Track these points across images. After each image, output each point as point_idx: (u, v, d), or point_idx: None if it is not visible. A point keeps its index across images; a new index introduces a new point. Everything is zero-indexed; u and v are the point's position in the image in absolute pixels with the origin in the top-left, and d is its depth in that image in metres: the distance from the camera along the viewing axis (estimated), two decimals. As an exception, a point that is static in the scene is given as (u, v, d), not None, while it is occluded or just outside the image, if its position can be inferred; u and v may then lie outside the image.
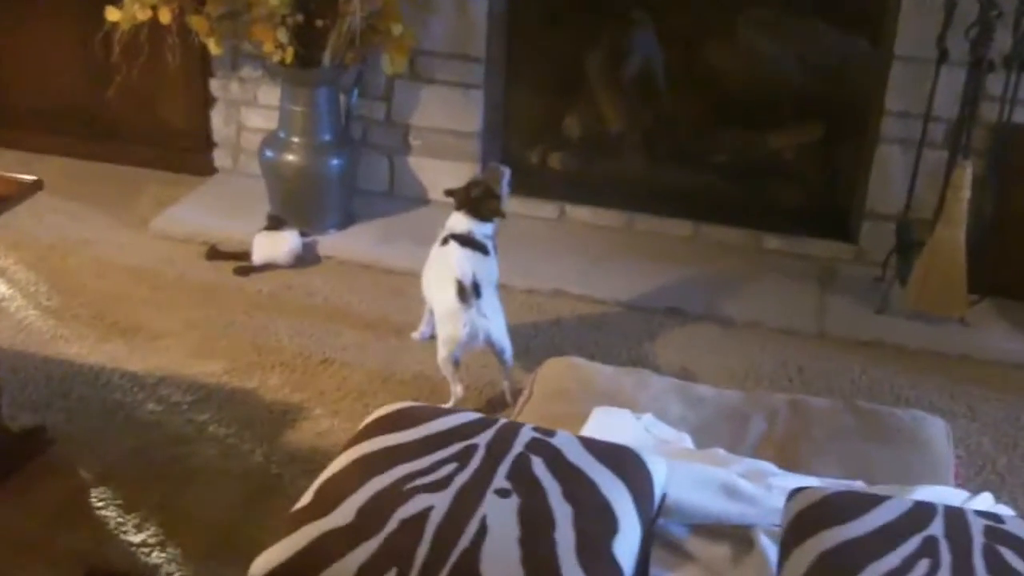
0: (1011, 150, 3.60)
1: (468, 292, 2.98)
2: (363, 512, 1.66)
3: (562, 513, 1.67)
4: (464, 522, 1.63)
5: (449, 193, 3.22)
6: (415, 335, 3.41)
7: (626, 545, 1.67)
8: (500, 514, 1.65)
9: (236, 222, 4.05)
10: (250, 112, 4.38)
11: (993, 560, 1.62)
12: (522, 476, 1.74)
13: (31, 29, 4.45)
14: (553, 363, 2.60)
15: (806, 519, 1.72)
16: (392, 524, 1.63)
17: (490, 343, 3.03)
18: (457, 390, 3.06)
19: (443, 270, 3.07)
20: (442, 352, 3.03)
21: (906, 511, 1.72)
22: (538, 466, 1.76)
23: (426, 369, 3.24)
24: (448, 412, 1.94)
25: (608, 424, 2.22)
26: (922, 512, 1.72)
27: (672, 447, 2.19)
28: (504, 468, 1.75)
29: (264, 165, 4.08)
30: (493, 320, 3.03)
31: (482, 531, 1.62)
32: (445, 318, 3.04)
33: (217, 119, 4.43)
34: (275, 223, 3.90)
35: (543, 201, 4.21)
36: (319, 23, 3.77)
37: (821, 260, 4.00)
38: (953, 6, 3.47)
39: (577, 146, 4.47)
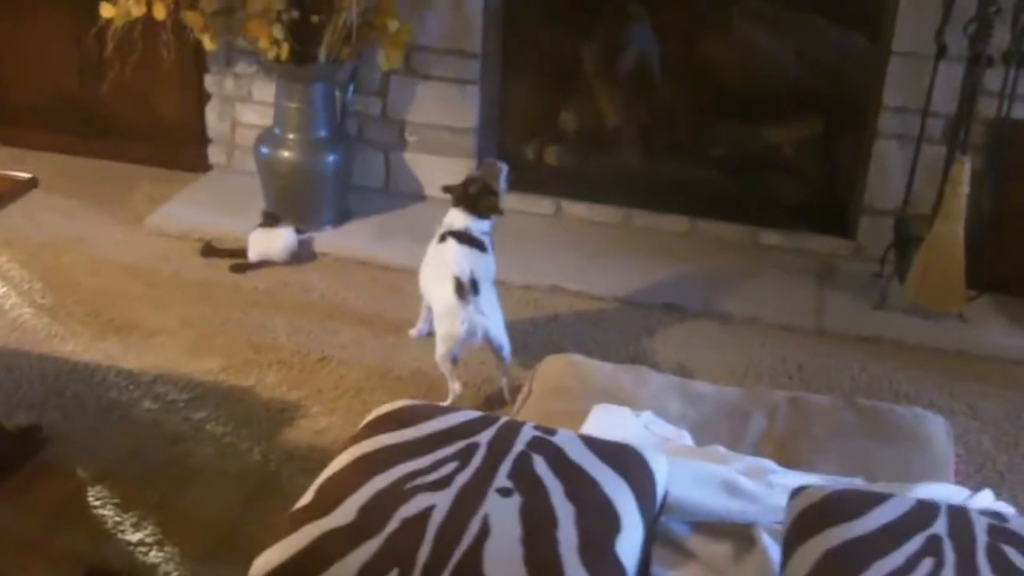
0: (1009, 146, 3.59)
1: (466, 289, 2.97)
2: (364, 511, 1.65)
3: (564, 512, 1.66)
4: (466, 521, 1.62)
5: (446, 190, 3.20)
6: (413, 332, 3.40)
7: (629, 544, 1.66)
8: (502, 513, 1.64)
9: (231, 219, 4.03)
10: (245, 108, 4.36)
11: (997, 559, 1.61)
12: (524, 475, 1.72)
13: (25, 25, 4.42)
14: (552, 360, 2.59)
15: (809, 517, 1.71)
16: (393, 524, 1.62)
17: (488, 340, 3.02)
18: (455, 387, 3.04)
19: (441, 267, 3.05)
20: (440, 349, 3.02)
21: (909, 509, 1.71)
22: (540, 465, 1.75)
23: (424, 366, 3.23)
24: (449, 410, 1.93)
25: (608, 422, 2.21)
26: (925, 510, 1.71)
27: (672, 445, 2.18)
28: (506, 467, 1.74)
29: (259, 161, 4.06)
30: (491, 317, 3.02)
31: (484, 530, 1.61)
32: (443, 315, 3.02)
33: (212, 115, 4.41)
34: (271, 220, 3.88)
35: (539, 197, 4.19)
36: (314, 19, 3.74)
37: (819, 256, 4.00)
38: (951, 2, 3.46)
39: (574, 141, 4.46)
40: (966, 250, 3.46)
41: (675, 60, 4.39)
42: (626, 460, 1.82)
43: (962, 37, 3.47)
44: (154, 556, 2.50)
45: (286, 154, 3.98)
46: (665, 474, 1.85)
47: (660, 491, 1.83)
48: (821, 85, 4.22)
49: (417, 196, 4.28)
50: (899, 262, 3.68)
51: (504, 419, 1.90)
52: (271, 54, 3.77)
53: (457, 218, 3.13)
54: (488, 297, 3.04)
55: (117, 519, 2.61)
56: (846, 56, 4.18)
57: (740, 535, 1.95)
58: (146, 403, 3.06)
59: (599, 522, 1.66)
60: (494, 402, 3.10)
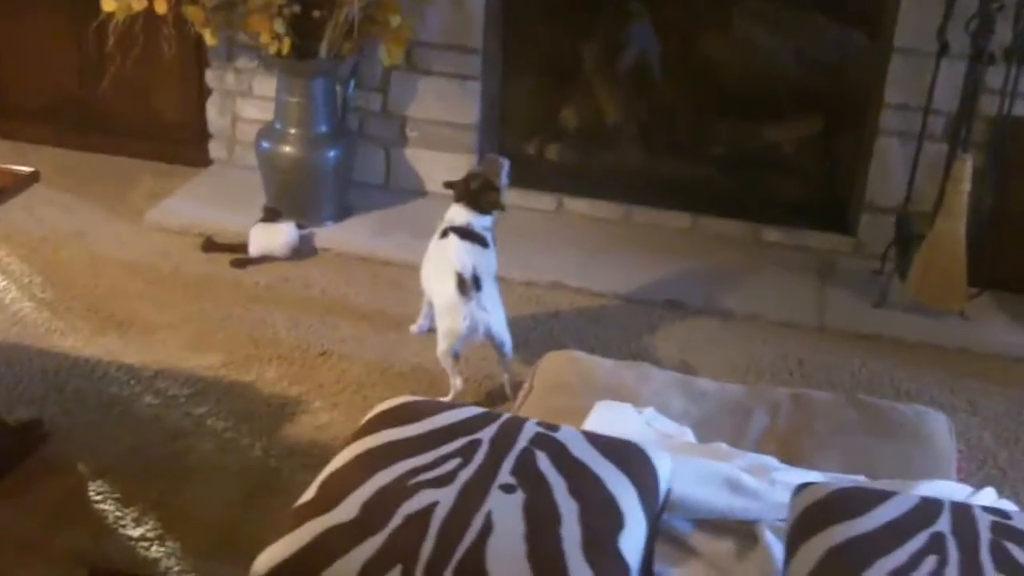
0: (1011, 143, 3.59)
1: (468, 285, 2.97)
2: (367, 508, 1.65)
3: (568, 509, 1.66)
4: (469, 518, 1.62)
5: (448, 185, 3.20)
6: (414, 328, 3.40)
7: (632, 541, 1.66)
8: (505, 510, 1.64)
9: (232, 214, 4.03)
10: (245, 103, 4.35)
11: (1000, 556, 1.61)
12: (527, 471, 1.72)
13: (25, 20, 4.41)
14: (553, 356, 2.59)
15: (813, 515, 1.71)
16: (396, 520, 1.62)
17: (490, 336, 3.02)
18: (456, 383, 3.04)
19: (442, 263, 3.05)
20: (442, 345, 3.02)
21: (913, 507, 1.72)
22: (543, 461, 1.75)
23: (425, 362, 3.23)
24: (451, 406, 1.93)
25: (610, 418, 2.20)
26: (929, 508, 1.72)
27: (674, 441, 2.18)
28: (509, 463, 1.74)
29: (260, 157, 4.05)
30: (493, 313, 3.01)
31: (487, 527, 1.61)
32: (445, 311, 3.02)
33: (212, 110, 4.40)
34: (271, 215, 3.88)
35: (540, 193, 4.19)
36: (316, 14, 3.74)
37: (820, 253, 4.00)
38: (953, -1, 3.46)
39: (575, 138, 4.45)
40: (967, 247, 3.45)
41: (676, 58, 4.38)
42: (629, 457, 1.82)
43: (964, 34, 3.47)
44: (155, 552, 2.50)
45: (287, 149, 3.97)
46: (668, 471, 1.85)
47: (663, 488, 1.83)
48: (822, 83, 4.22)
49: (418, 192, 4.27)
50: (900, 259, 3.68)
51: (507, 415, 1.90)
52: (272, 49, 3.77)
53: (459, 214, 3.12)
54: (490, 293, 3.04)
55: (118, 515, 2.61)
56: (847, 54, 4.17)
57: (743, 532, 1.95)
58: (147, 398, 3.05)
59: (602, 519, 1.66)
60: (495, 398, 3.09)
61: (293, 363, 3.24)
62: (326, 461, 1.82)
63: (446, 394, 3.04)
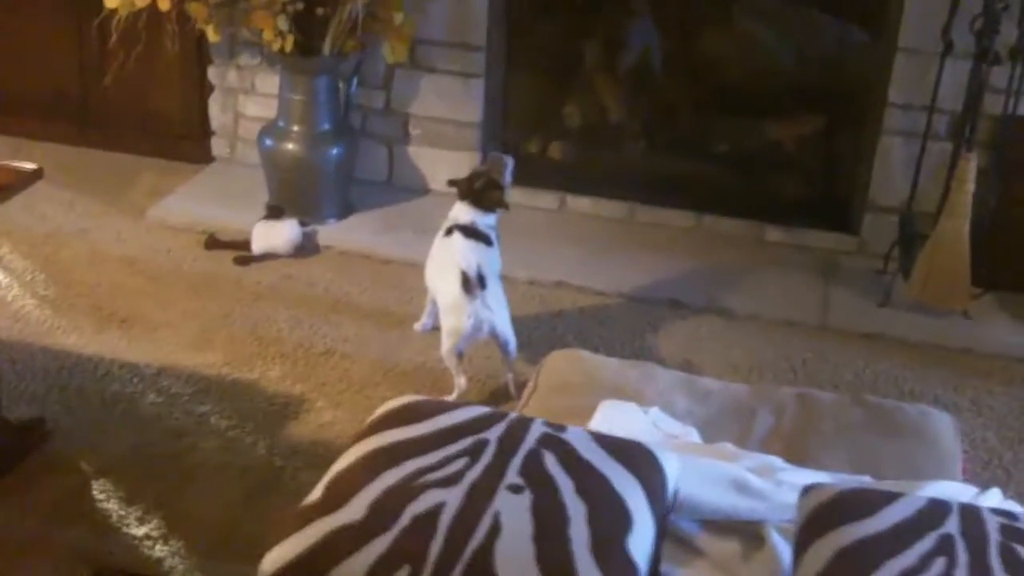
0: (1015, 143, 3.59)
1: (473, 283, 2.96)
2: (374, 508, 1.64)
3: (576, 510, 1.65)
4: (477, 519, 1.61)
5: (452, 183, 3.19)
6: (417, 326, 3.39)
7: (640, 542, 1.65)
8: (513, 511, 1.63)
9: (234, 211, 4.02)
10: (248, 100, 4.34)
11: (1010, 558, 1.61)
12: (534, 472, 1.72)
13: (26, 15, 4.40)
14: (557, 356, 2.58)
15: (821, 516, 1.71)
16: (404, 520, 1.61)
17: (494, 335, 3.02)
18: (460, 382, 3.04)
19: (447, 261, 3.05)
20: (446, 344, 3.01)
21: (921, 508, 1.71)
22: (550, 462, 1.74)
23: (428, 361, 3.22)
24: (457, 406, 1.92)
25: (616, 418, 2.20)
26: (937, 509, 1.71)
27: (680, 441, 2.17)
28: (516, 464, 1.73)
29: (263, 154, 4.04)
30: (497, 312, 3.01)
31: (495, 528, 1.60)
32: (449, 310, 3.02)
33: (214, 107, 4.40)
34: (274, 212, 3.87)
35: (543, 191, 4.18)
36: (319, 11, 3.73)
37: (823, 252, 3.99)
38: (958, -2, 3.46)
39: (577, 136, 4.45)
40: (971, 247, 3.45)
41: (679, 55, 4.37)
42: (637, 457, 1.81)
43: (968, 34, 3.46)
44: (159, 551, 2.49)
45: (290, 146, 3.96)
46: (676, 472, 1.85)
47: (671, 489, 1.82)
48: (825, 81, 4.21)
49: (420, 190, 4.27)
50: (904, 259, 3.68)
51: (513, 415, 1.89)
52: (275, 46, 3.76)
53: (463, 212, 3.11)
54: (494, 292, 3.03)
55: (121, 514, 2.60)
56: (850, 52, 4.17)
57: (749, 533, 1.94)
58: (149, 397, 3.04)
59: (611, 520, 1.65)
60: (499, 397, 3.09)
61: (296, 361, 3.23)
62: (330, 460, 1.81)
63: (450, 393, 3.03)
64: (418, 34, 4.01)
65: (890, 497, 1.74)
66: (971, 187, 3.41)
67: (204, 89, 4.37)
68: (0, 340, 3.20)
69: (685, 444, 2.16)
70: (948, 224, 3.45)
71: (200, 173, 4.37)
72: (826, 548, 1.63)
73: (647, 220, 4.14)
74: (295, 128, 3.95)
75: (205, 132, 4.44)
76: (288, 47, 3.75)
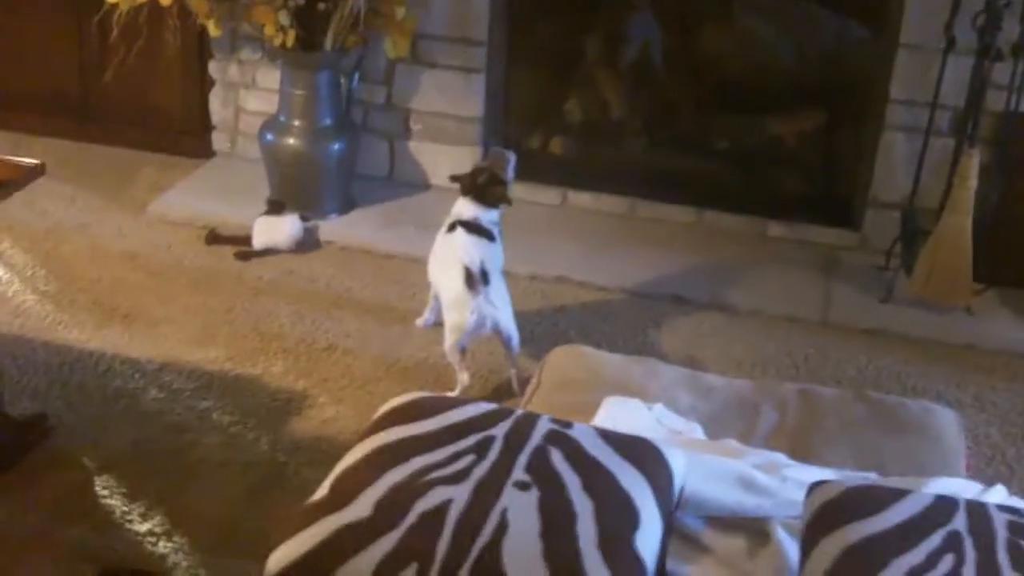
0: (1017, 139, 3.58)
1: (476, 279, 2.96)
2: (381, 505, 1.64)
3: (583, 507, 1.65)
4: (484, 516, 1.61)
5: (454, 179, 3.19)
6: (419, 322, 3.38)
7: (647, 539, 1.65)
8: (520, 507, 1.63)
9: (235, 206, 4.02)
10: (248, 95, 4.33)
11: (1018, 555, 1.61)
12: (541, 469, 1.72)
13: (26, 11, 4.39)
14: (561, 352, 2.58)
15: (828, 513, 1.71)
16: (411, 518, 1.61)
17: (497, 331, 3.01)
18: (463, 378, 3.03)
19: (450, 257, 3.04)
20: (449, 339, 3.01)
21: (928, 505, 1.71)
22: (557, 458, 1.74)
23: (431, 356, 3.22)
24: (463, 403, 1.92)
25: (620, 415, 2.20)
26: (944, 506, 1.71)
27: (684, 438, 2.17)
28: (523, 460, 1.73)
29: (264, 149, 4.04)
30: (500, 308, 3.01)
31: (503, 525, 1.60)
32: (452, 305, 3.01)
33: (215, 102, 4.38)
34: (275, 208, 3.86)
35: (545, 187, 4.18)
36: (321, 6, 3.72)
37: (825, 248, 3.99)
38: (961, -6, 3.45)
39: (579, 131, 4.44)
40: (973, 243, 3.45)
41: (680, 51, 4.37)
42: (643, 454, 1.81)
43: (971, 30, 3.46)
44: (163, 547, 2.49)
45: (291, 141, 3.96)
46: (682, 469, 1.85)
47: (677, 485, 1.82)
48: (826, 77, 4.21)
49: (421, 185, 4.26)
50: (906, 255, 3.67)
51: (519, 412, 1.89)
52: (277, 41, 3.75)
53: (466, 208, 3.11)
54: (497, 287, 3.03)
55: (124, 510, 2.60)
56: (852, 48, 4.16)
57: (755, 529, 1.94)
58: (152, 392, 3.04)
59: (618, 517, 1.65)
60: (502, 393, 3.08)
61: (298, 357, 3.23)
62: (333, 456, 1.81)
63: (453, 389, 3.03)
64: (419, 29, 4.00)
65: (897, 494, 1.74)
66: (973, 183, 3.41)
67: (205, 84, 4.36)
68: (1, 335, 3.19)
69: (689, 440, 2.16)
70: (950, 220, 3.45)
71: (201, 168, 4.37)
72: (833, 545, 1.63)
73: (648, 216, 4.14)
74: (296, 123, 3.95)
75: (206, 127, 4.43)
76: (290, 42, 3.74)
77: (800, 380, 3.14)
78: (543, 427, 1.82)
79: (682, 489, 1.85)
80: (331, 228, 3.95)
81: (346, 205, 4.08)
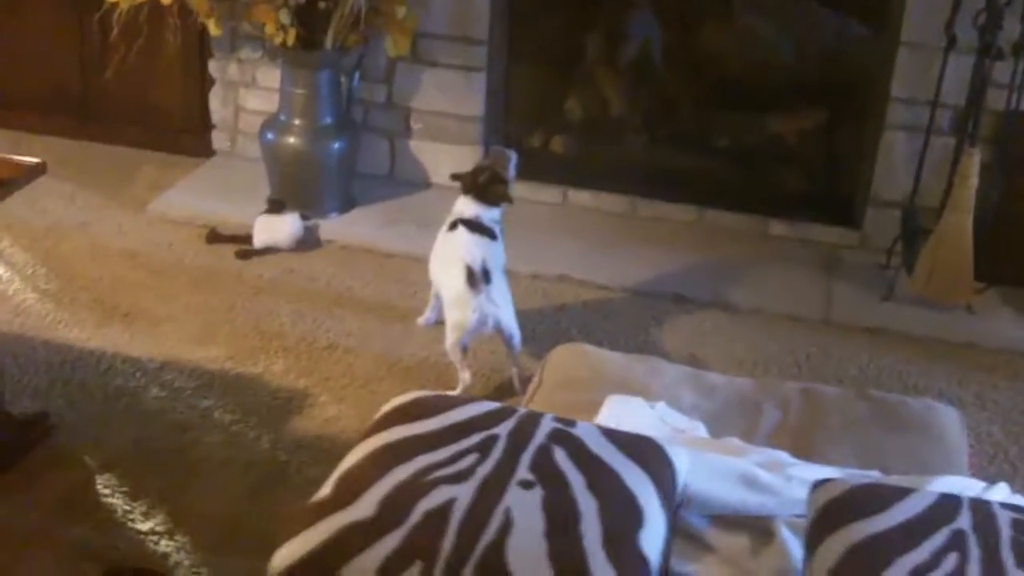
0: (1018, 138, 3.58)
1: (478, 278, 2.96)
2: (385, 504, 1.63)
3: (587, 506, 1.65)
4: (488, 514, 1.61)
5: (455, 178, 3.18)
6: (420, 320, 3.38)
7: (652, 538, 1.65)
8: (524, 506, 1.63)
9: (235, 205, 4.01)
10: (248, 94, 4.33)
11: (1021, 553, 1.60)
12: (545, 467, 1.71)
13: (26, 9, 4.38)
14: (562, 350, 2.57)
15: (832, 512, 1.70)
16: (415, 516, 1.61)
17: (499, 329, 3.01)
18: (465, 376, 3.03)
19: (451, 256, 3.04)
20: (450, 338, 3.01)
21: (932, 504, 1.71)
22: (561, 457, 1.74)
23: (432, 355, 3.22)
24: (466, 402, 1.91)
25: (623, 413, 2.19)
26: (948, 505, 1.71)
27: (687, 436, 2.17)
28: (527, 459, 1.73)
29: (264, 148, 4.03)
30: (502, 306, 3.01)
31: (507, 524, 1.59)
32: (454, 304, 3.01)
33: (215, 101, 4.38)
34: (276, 206, 3.86)
35: (546, 185, 4.17)
36: (321, 5, 3.72)
37: (825, 246, 3.99)
38: (962, -7, 3.45)
39: (579, 129, 4.44)
40: (974, 242, 3.45)
41: (680, 49, 4.37)
42: (646, 453, 1.80)
43: (971, 29, 3.45)
44: (165, 546, 2.49)
45: (291, 140, 3.96)
46: (685, 467, 1.84)
47: (681, 484, 1.82)
48: (828, 75, 4.21)
49: (422, 184, 4.26)
50: (907, 254, 3.67)
51: (523, 411, 1.89)
52: (277, 40, 3.75)
53: (467, 206, 3.11)
54: (499, 286, 3.03)
55: (126, 508, 2.60)
56: (852, 46, 4.16)
57: (758, 528, 1.94)
58: (153, 391, 3.04)
59: (622, 515, 1.65)
60: (503, 391, 3.08)
61: (299, 356, 3.22)
62: (335, 455, 1.80)
63: (454, 388, 3.03)
64: (420, 28, 4.00)
65: (901, 493, 1.74)
66: (974, 182, 3.41)
67: (205, 83, 4.36)
68: (2, 334, 3.19)
69: (692, 439, 2.16)
70: (951, 219, 3.45)
71: (201, 167, 4.36)
72: (838, 544, 1.63)
73: (649, 214, 4.14)
74: (297, 122, 3.94)
75: (205, 126, 4.42)
76: (290, 41, 3.74)
77: (802, 379, 3.14)
78: (547, 426, 1.82)
79: (686, 487, 1.84)
80: (332, 227, 3.95)
81: (346, 204, 4.08)
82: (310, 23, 3.76)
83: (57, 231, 3.86)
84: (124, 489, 2.66)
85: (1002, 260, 3.63)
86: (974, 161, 3.40)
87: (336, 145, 3.99)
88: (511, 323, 3.03)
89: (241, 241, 3.81)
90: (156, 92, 4.38)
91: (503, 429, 1.80)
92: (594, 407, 2.22)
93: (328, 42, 3.80)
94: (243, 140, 4.37)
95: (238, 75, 4.31)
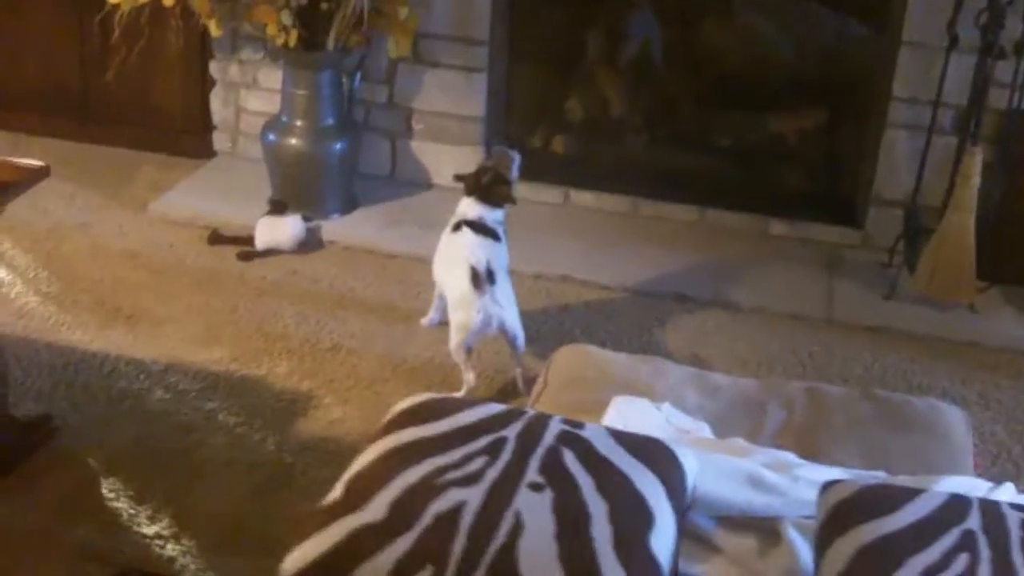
0: (1020, 137, 3.59)
1: (482, 279, 2.96)
2: (396, 507, 1.63)
3: (597, 508, 1.64)
4: (498, 517, 1.61)
5: (459, 179, 3.18)
6: (424, 321, 3.38)
7: (662, 540, 1.65)
8: (535, 509, 1.63)
9: (236, 206, 4.01)
10: (249, 95, 4.33)
11: (1031, 554, 1.60)
12: (555, 470, 1.71)
13: (27, 9, 4.38)
14: (567, 351, 2.57)
15: (841, 513, 1.70)
16: (426, 520, 1.60)
17: (503, 330, 3.01)
18: (469, 378, 3.03)
19: (455, 257, 3.04)
20: (455, 339, 3.01)
21: (942, 504, 1.71)
22: (570, 459, 1.74)
23: (436, 356, 3.21)
24: (473, 404, 1.91)
25: (629, 414, 2.19)
26: (958, 505, 1.71)
27: (693, 437, 2.17)
28: (536, 461, 1.72)
29: (266, 149, 4.03)
30: (506, 307, 3.00)
31: (517, 527, 1.59)
32: (458, 305, 3.01)
33: (216, 102, 4.38)
34: (278, 208, 3.86)
35: (547, 186, 4.17)
36: (323, 5, 3.71)
37: (827, 246, 3.99)
38: (963, -8, 3.46)
39: (580, 129, 4.44)
40: (976, 241, 3.45)
41: (681, 48, 4.37)
42: (656, 454, 1.80)
43: (973, 28, 3.46)
44: (170, 549, 2.48)
45: (293, 141, 3.95)
46: (694, 468, 1.84)
47: (690, 485, 1.82)
48: (829, 74, 4.21)
49: (424, 184, 4.26)
50: (908, 253, 3.68)
51: (531, 413, 1.88)
52: (279, 41, 3.75)
53: (470, 208, 3.11)
54: (503, 287, 3.03)
55: (131, 511, 2.59)
56: (854, 45, 4.16)
57: (765, 529, 1.94)
58: (156, 393, 3.03)
59: (632, 517, 1.65)
60: (508, 392, 3.08)
61: (303, 358, 3.22)
62: (340, 456, 1.81)
63: (459, 389, 3.03)
64: (421, 28, 4.00)
65: (911, 493, 1.74)
66: (976, 181, 3.41)
67: (206, 84, 4.36)
68: (5, 337, 3.18)
69: (698, 439, 2.16)
70: (953, 218, 3.45)
71: (202, 168, 4.36)
72: (848, 546, 1.63)
73: (650, 214, 4.14)
74: (298, 123, 3.94)
75: (206, 127, 4.42)
76: (292, 42, 3.73)
77: (806, 378, 3.14)
78: (555, 428, 1.82)
79: (694, 489, 1.84)
80: (333, 228, 3.94)
81: (348, 205, 4.07)
82: (312, 24, 3.76)
83: (58, 232, 3.86)
84: (128, 491, 2.65)
85: (1004, 259, 3.64)
86: (976, 160, 3.40)
87: (338, 146, 3.99)
88: (515, 324, 3.03)
89: (243, 243, 3.80)
90: (157, 93, 4.38)
91: (512, 431, 1.80)
92: (599, 408, 2.22)
93: (330, 43, 3.80)
94: (244, 141, 4.37)
95: (239, 76, 4.31)
